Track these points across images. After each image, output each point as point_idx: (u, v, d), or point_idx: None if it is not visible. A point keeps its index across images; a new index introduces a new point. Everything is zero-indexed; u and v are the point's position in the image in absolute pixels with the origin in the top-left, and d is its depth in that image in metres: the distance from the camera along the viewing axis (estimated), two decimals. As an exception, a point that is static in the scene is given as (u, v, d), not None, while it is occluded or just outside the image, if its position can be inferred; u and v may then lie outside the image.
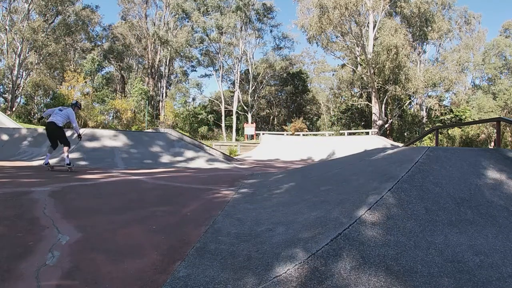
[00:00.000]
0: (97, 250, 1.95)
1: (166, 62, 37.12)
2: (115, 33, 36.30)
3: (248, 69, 35.89)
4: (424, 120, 32.39)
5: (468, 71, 36.76)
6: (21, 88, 28.40)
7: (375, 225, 1.97)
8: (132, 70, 38.06)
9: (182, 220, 2.63)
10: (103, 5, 56.14)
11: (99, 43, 38.07)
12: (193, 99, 40.82)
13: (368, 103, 29.13)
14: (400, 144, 15.18)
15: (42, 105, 32.78)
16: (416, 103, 33.91)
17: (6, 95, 29.72)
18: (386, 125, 27.68)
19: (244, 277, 1.59)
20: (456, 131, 30.69)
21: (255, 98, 36.53)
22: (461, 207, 2.30)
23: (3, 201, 2.97)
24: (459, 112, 30.47)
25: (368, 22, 26.37)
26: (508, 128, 28.69)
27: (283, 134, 25.74)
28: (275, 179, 4.78)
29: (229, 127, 35.03)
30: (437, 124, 26.39)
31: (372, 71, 24.86)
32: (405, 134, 31.52)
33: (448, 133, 30.69)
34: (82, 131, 8.64)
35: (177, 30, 34.46)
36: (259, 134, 25.55)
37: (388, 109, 29.91)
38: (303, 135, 24.96)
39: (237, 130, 34.87)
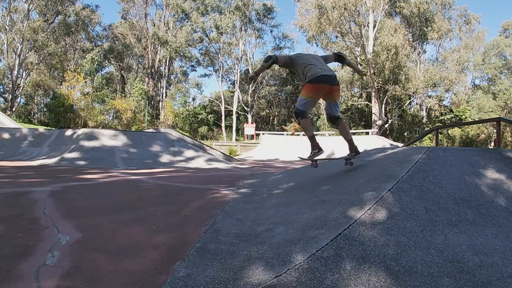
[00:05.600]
0: (97, 250, 1.95)
1: (166, 62, 37.10)
2: (115, 33, 36.31)
3: (248, 69, 35.90)
4: (424, 120, 32.40)
5: (468, 71, 36.82)
6: (21, 88, 28.41)
7: (375, 225, 1.97)
8: (132, 70, 38.05)
9: (182, 220, 2.63)
10: (103, 5, 56.26)
11: (99, 43, 38.07)
12: (193, 99, 40.89)
13: (368, 103, 29.14)
14: (400, 144, 15.17)
15: (42, 105, 32.79)
16: (416, 103, 33.91)
17: (6, 95, 29.74)
18: (386, 125, 27.69)
19: (244, 277, 1.59)
20: (456, 131, 30.69)
21: (255, 98, 36.53)
22: (461, 207, 2.30)
23: (3, 201, 2.97)
24: (459, 112, 30.48)
25: (368, 22, 26.37)
26: (508, 128, 28.70)
27: (283, 134, 25.75)
28: (275, 179, 4.78)
29: (229, 127, 35.03)
30: (437, 124, 26.40)
31: (372, 71, 24.86)
32: (405, 134, 31.52)
33: (448, 133, 30.69)
34: (82, 131, 8.63)
35: (177, 30, 34.44)
36: (259, 134, 25.56)
37: (388, 109, 29.91)
38: (303, 135, 24.94)
39: (237, 130, 34.87)
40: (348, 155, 3.64)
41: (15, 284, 1.51)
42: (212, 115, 37.27)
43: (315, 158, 3.57)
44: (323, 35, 27.75)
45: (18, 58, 26.71)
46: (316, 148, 3.53)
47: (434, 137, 8.02)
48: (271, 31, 44.25)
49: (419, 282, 1.54)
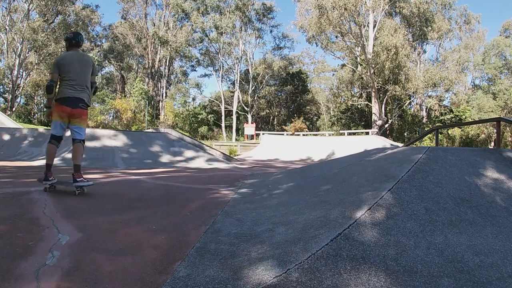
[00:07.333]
0: (97, 250, 1.95)
1: (166, 62, 37.07)
2: (115, 33, 36.29)
3: (248, 69, 35.87)
4: (424, 120, 32.39)
5: (468, 71, 36.82)
6: (21, 88, 28.39)
7: (375, 225, 1.97)
8: (132, 70, 38.02)
9: (182, 220, 2.63)
10: (103, 5, 56.24)
11: (99, 43, 38.07)
12: (193, 99, 40.84)
13: (368, 103, 29.13)
14: (400, 144, 15.18)
15: (42, 105, 32.76)
16: (416, 103, 33.90)
17: (6, 95, 29.72)
18: (386, 125, 27.66)
19: (244, 277, 1.59)
20: (456, 131, 30.68)
21: (255, 98, 36.50)
22: (461, 207, 2.30)
23: (3, 201, 2.97)
24: (459, 112, 30.47)
25: (368, 22, 26.35)
26: (508, 128, 28.69)
27: (283, 134, 25.73)
28: (275, 179, 4.78)
29: (229, 127, 34.99)
30: (437, 124, 26.39)
31: (372, 71, 24.85)
32: (405, 134, 31.51)
33: (448, 133, 30.68)
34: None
35: (177, 30, 34.42)
36: (259, 134, 25.54)
37: (388, 109, 29.89)
38: (303, 135, 24.96)
39: (237, 130, 34.84)
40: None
41: (15, 284, 1.51)
42: (212, 115, 37.24)
43: (48, 184, 3.42)
44: (323, 35, 27.73)
45: (18, 58, 26.69)
46: (46, 178, 3.40)
47: (434, 137, 8.03)
48: (271, 31, 44.17)
49: (419, 282, 1.54)
